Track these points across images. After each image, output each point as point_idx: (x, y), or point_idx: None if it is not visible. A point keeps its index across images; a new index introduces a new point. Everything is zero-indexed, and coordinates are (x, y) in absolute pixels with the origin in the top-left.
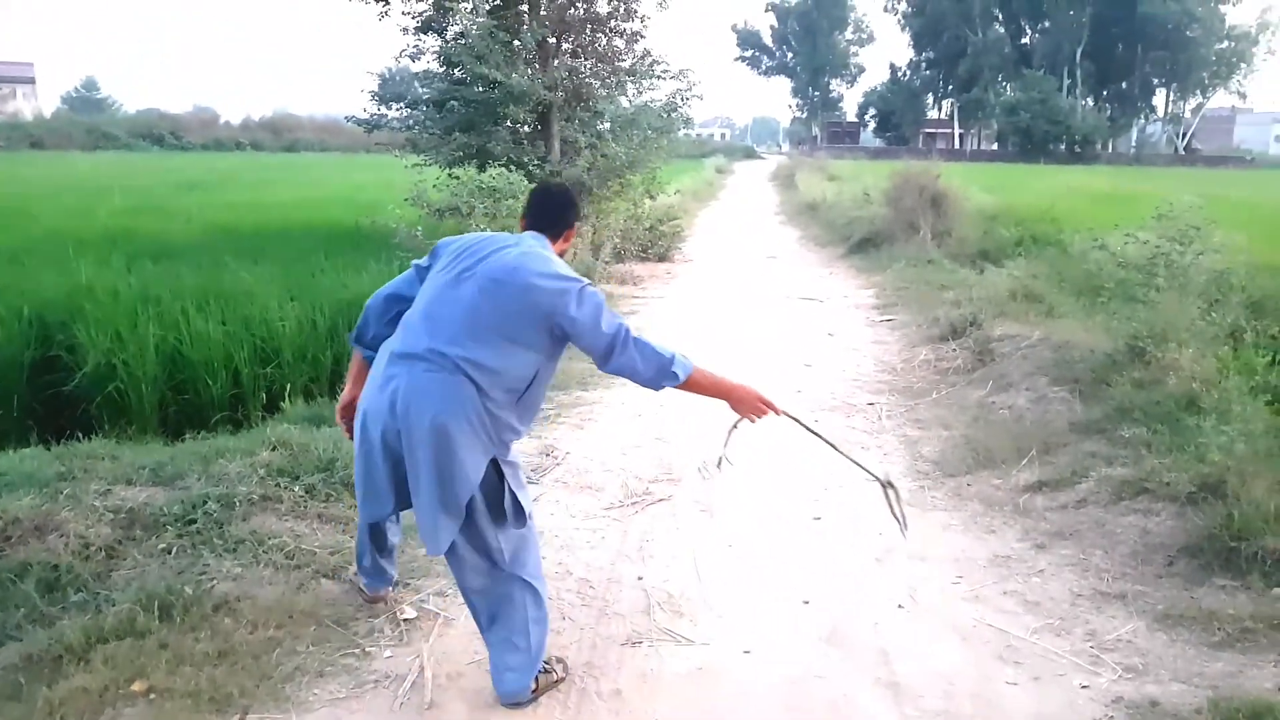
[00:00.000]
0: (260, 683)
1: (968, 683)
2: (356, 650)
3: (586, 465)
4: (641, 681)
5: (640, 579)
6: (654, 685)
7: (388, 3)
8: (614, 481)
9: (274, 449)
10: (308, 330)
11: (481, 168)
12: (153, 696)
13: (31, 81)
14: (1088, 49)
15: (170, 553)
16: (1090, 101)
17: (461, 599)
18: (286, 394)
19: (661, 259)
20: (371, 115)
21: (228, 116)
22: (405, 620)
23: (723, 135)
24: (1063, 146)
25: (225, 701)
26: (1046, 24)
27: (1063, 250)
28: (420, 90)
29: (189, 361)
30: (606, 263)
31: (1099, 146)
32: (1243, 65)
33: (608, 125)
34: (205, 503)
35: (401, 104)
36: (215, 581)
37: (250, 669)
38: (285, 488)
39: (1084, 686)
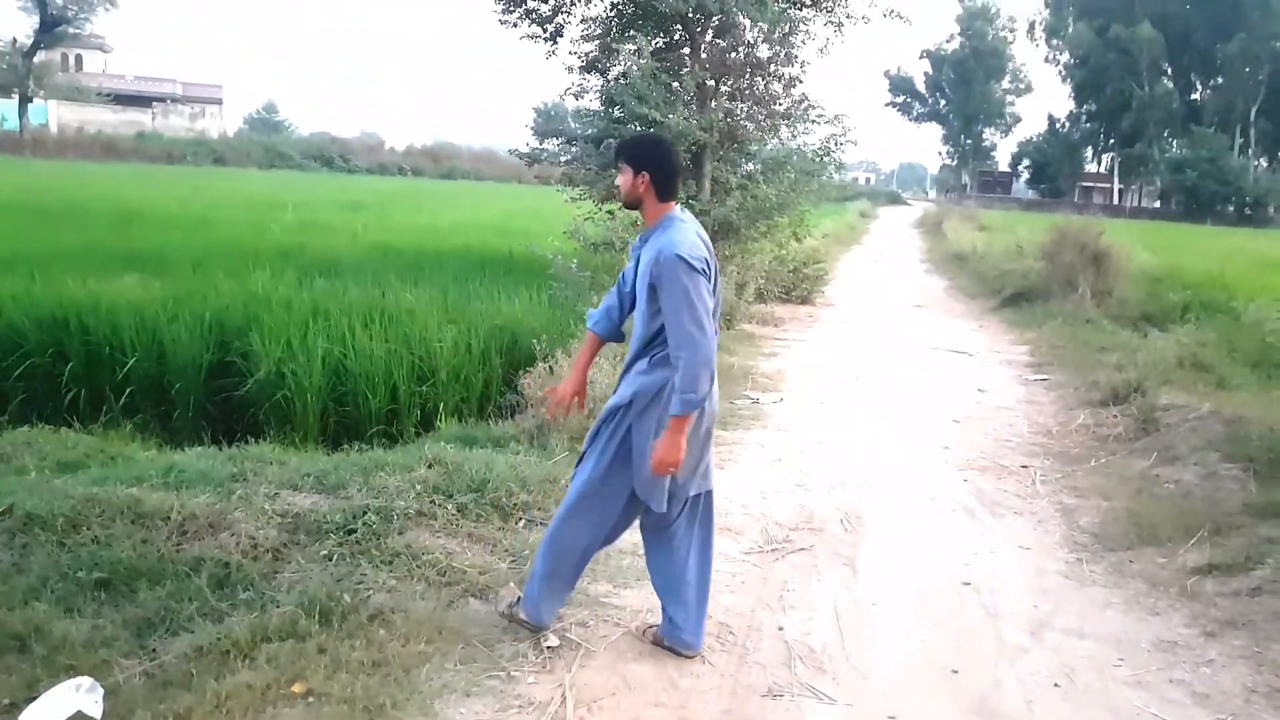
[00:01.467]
0: (411, 696)
1: None
2: (501, 673)
3: (726, 506)
4: None
5: (781, 629)
6: None
7: (555, 42)
8: (754, 526)
9: (430, 466)
10: (462, 352)
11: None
12: (310, 700)
13: (219, 103)
14: (1264, 107)
15: (331, 560)
16: (1264, 162)
17: (603, 631)
18: (440, 412)
19: (804, 301)
20: (532, 149)
21: (392, 143)
22: (549, 648)
23: (868, 179)
24: (1232, 208)
25: (378, 711)
26: (1219, 80)
27: (1235, 318)
28: (577, 127)
29: (351, 375)
30: (749, 302)
31: (1272, 210)
32: None
33: (759, 166)
34: (365, 513)
35: (560, 139)
36: (372, 592)
37: (402, 681)
38: (439, 504)
39: None
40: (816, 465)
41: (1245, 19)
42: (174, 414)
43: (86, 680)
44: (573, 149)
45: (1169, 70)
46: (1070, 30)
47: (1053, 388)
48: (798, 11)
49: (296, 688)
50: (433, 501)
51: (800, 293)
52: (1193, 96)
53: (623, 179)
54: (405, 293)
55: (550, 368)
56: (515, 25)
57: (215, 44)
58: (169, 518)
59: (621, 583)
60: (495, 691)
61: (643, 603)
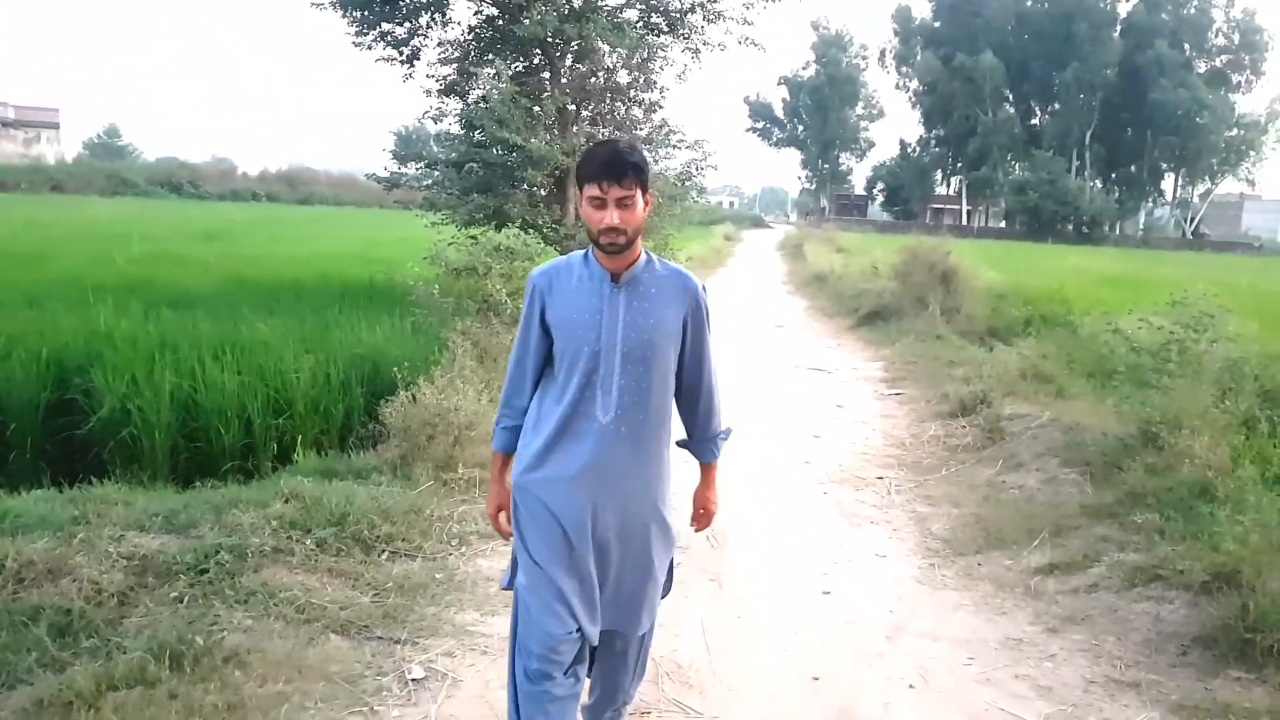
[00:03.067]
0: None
1: None
2: (364, 709)
3: None
4: None
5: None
6: None
7: (412, 65)
8: None
9: (286, 501)
10: (321, 383)
11: (498, 228)
12: None
13: (56, 126)
14: (1097, 132)
15: (182, 601)
16: (1099, 183)
17: (470, 660)
18: (299, 445)
19: None
20: (391, 173)
21: (245, 168)
22: (414, 680)
23: (731, 203)
24: (1070, 227)
25: None
26: (1057, 106)
27: (1073, 331)
28: (438, 151)
29: (202, 410)
30: None
31: (1107, 228)
32: (1252, 153)
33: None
34: (218, 552)
35: (420, 163)
36: (226, 633)
37: (264, 715)
38: (297, 540)
39: None
40: (682, 486)
41: (1078, 49)
42: (9, 456)
43: None
44: (434, 173)
45: (1010, 97)
46: (919, 59)
47: (906, 401)
48: (656, 38)
49: None
50: (290, 537)
51: None
52: (1033, 122)
53: (631, 210)
54: (260, 324)
55: (413, 395)
56: (370, 48)
57: (49, 64)
58: (3, 565)
59: (489, 610)
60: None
61: (508, 629)
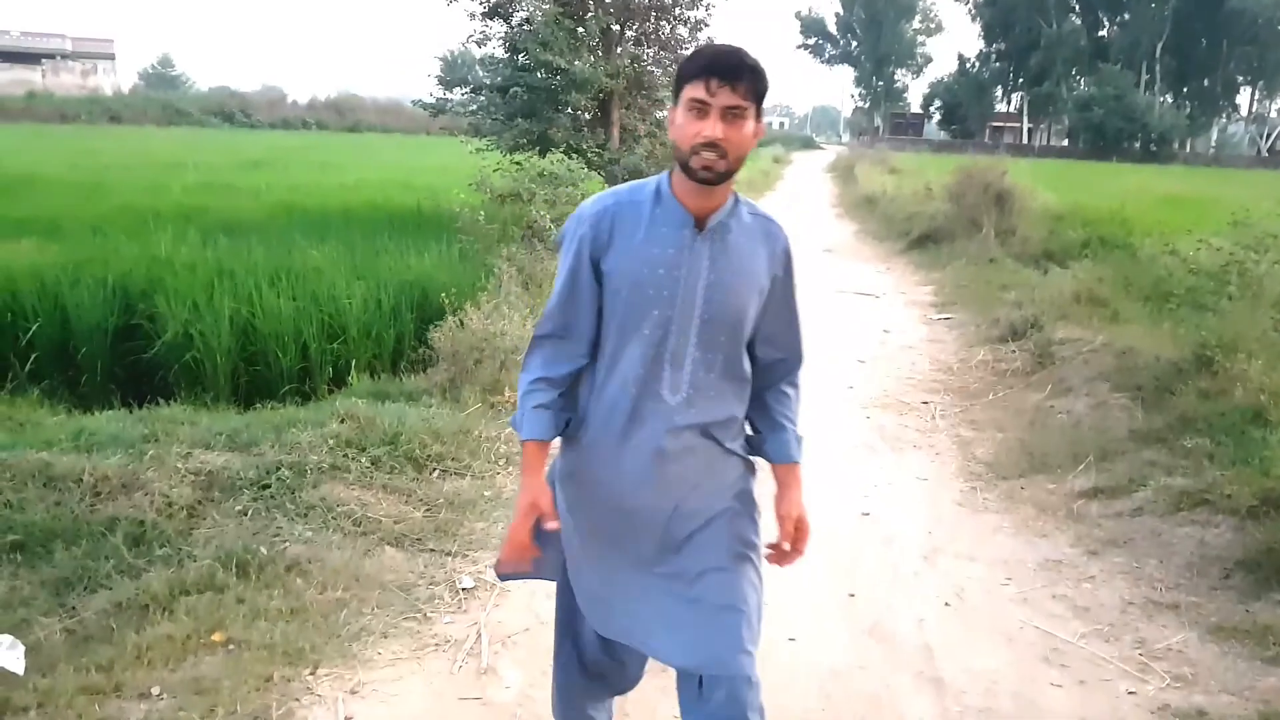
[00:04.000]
0: (329, 640)
1: (1010, 683)
2: (418, 615)
3: None
4: None
5: None
6: None
7: None
8: None
9: (342, 421)
10: (373, 309)
11: (543, 153)
12: (231, 647)
13: (112, 58)
14: (1169, 44)
15: (246, 515)
16: (1169, 99)
17: None
18: (353, 369)
19: None
20: (437, 99)
21: (295, 96)
22: (464, 589)
23: (781, 124)
24: (1138, 145)
25: (297, 656)
26: (1125, 16)
27: (1131, 254)
28: (483, 76)
29: (260, 334)
30: None
31: (1176, 146)
32: None
33: (666, 113)
34: (279, 469)
35: (466, 89)
36: (288, 544)
37: (320, 627)
38: (353, 458)
39: (1130, 693)
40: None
41: None
42: (82, 379)
43: (7, 638)
44: (479, 98)
45: (1076, 7)
46: None
47: (955, 326)
48: None
49: (216, 636)
50: (346, 455)
51: None
52: (1100, 34)
53: (740, 126)
54: (313, 250)
55: (460, 321)
56: None
57: None
58: (81, 480)
59: None
60: (412, 632)
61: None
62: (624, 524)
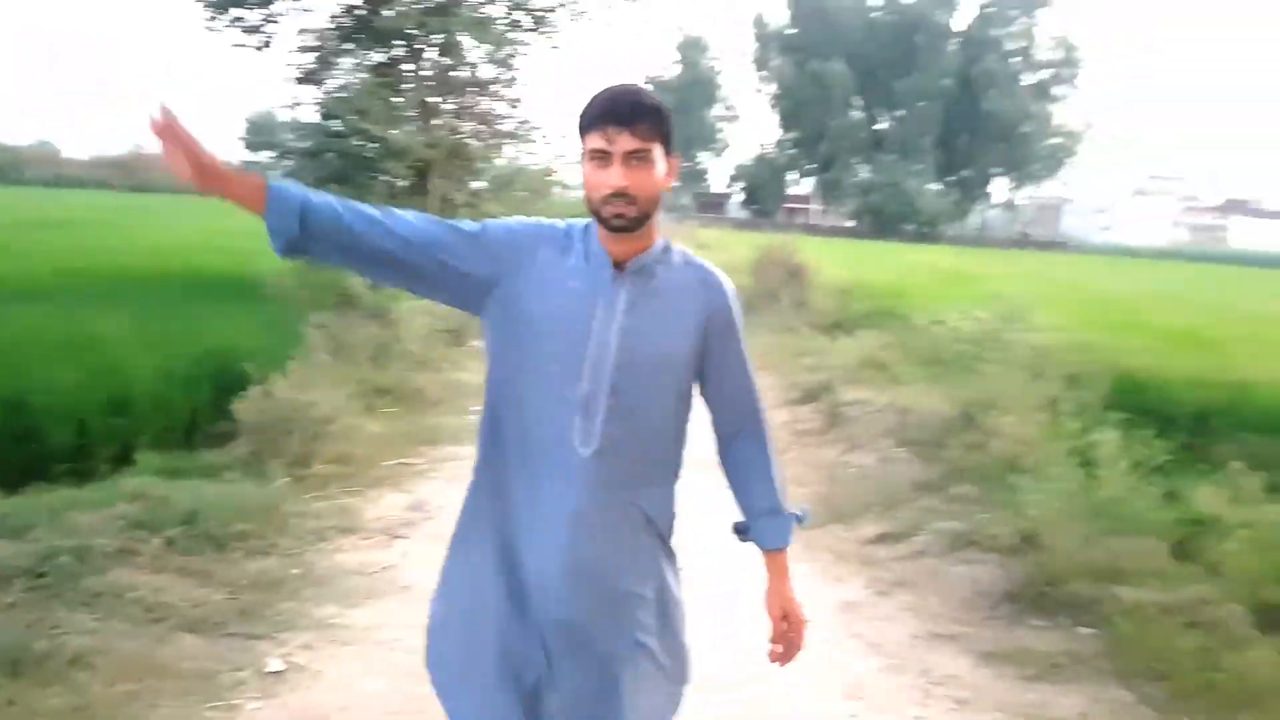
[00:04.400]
0: None
1: (816, 716)
2: (220, 703)
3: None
4: None
5: None
6: None
7: (267, 50)
8: None
9: (131, 500)
10: (165, 380)
11: None
12: None
13: None
14: (936, 138)
15: (18, 607)
16: (937, 186)
17: (331, 651)
18: (141, 445)
19: None
20: (243, 162)
21: (72, 152)
22: (272, 673)
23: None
24: (912, 226)
25: None
26: (900, 112)
27: (907, 324)
28: (291, 139)
29: (32, 410)
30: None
31: (943, 228)
32: (1069, 160)
33: (485, 184)
34: (56, 556)
35: (273, 151)
36: (69, 636)
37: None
38: (144, 540)
39: (917, 718)
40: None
41: (919, 60)
42: None
43: None
44: (287, 162)
45: (858, 103)
46: (775, 64)
47: (760, 390)
48: (519, 35)
49: None
50: (135, 538)
51: None
52: (878, 126)
53: (646, 170)
54: (100, 318)
55: (267, 391)
56: (222, 31)
57: None
58: None
59: (349, 603)
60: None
61: (371, 620)
62: (520, 603)
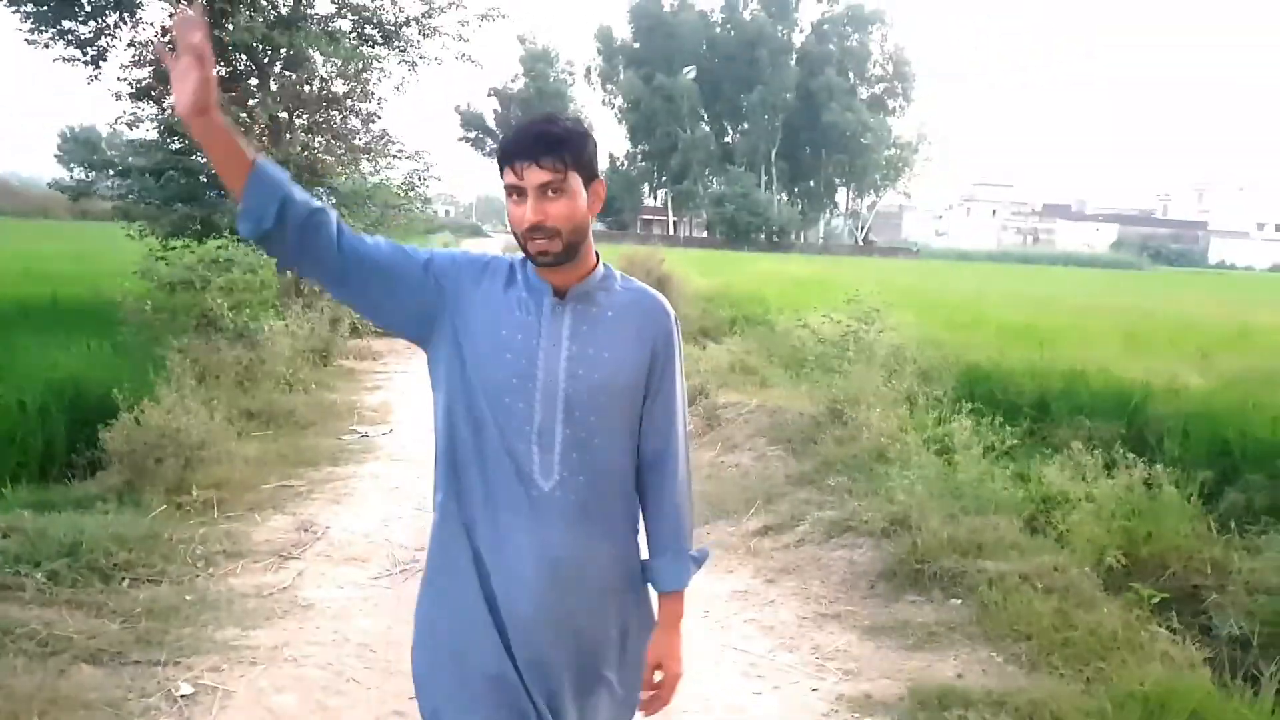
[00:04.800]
0: None
1: (721, 696)
2: None
3: (349, 538)
4: None
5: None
6: None
7: (99, 66)
8: (379, 552)
9: (6, 536)
10: (14, 411)
11: (201, 239)
12: None
13: None
14: (781, 149)
15: None
16: (785, 196)
17: (240, 671)
18: None
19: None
20: (78, 181)
21: None
22: (183, 696)
23: (447, 212)
24: (763, 236)
25: None
26: (746, 125)
27: (771, 329)
28: (130, 158)
29: None
30: (344, 337)
31: (793, 236)
32: (906, 169)
33: (340, 201)
34: None
35: (111, 171)
36: None
37: None
38: (26, 574)
39: (814, 690)
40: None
41: (762, 74)
42: None
43: None
44: (127, 181)
45: (705, 116)
46: (621, 77)
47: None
48: (370, 50)
49: None
50: (17, 572)
51: None
52: (726, 140)
53: (563, 200)
54: None
55: (137, 419)
56: (47, 46)
57: None
58: None
59: (250, 624)
60: None
61: (274, 639)
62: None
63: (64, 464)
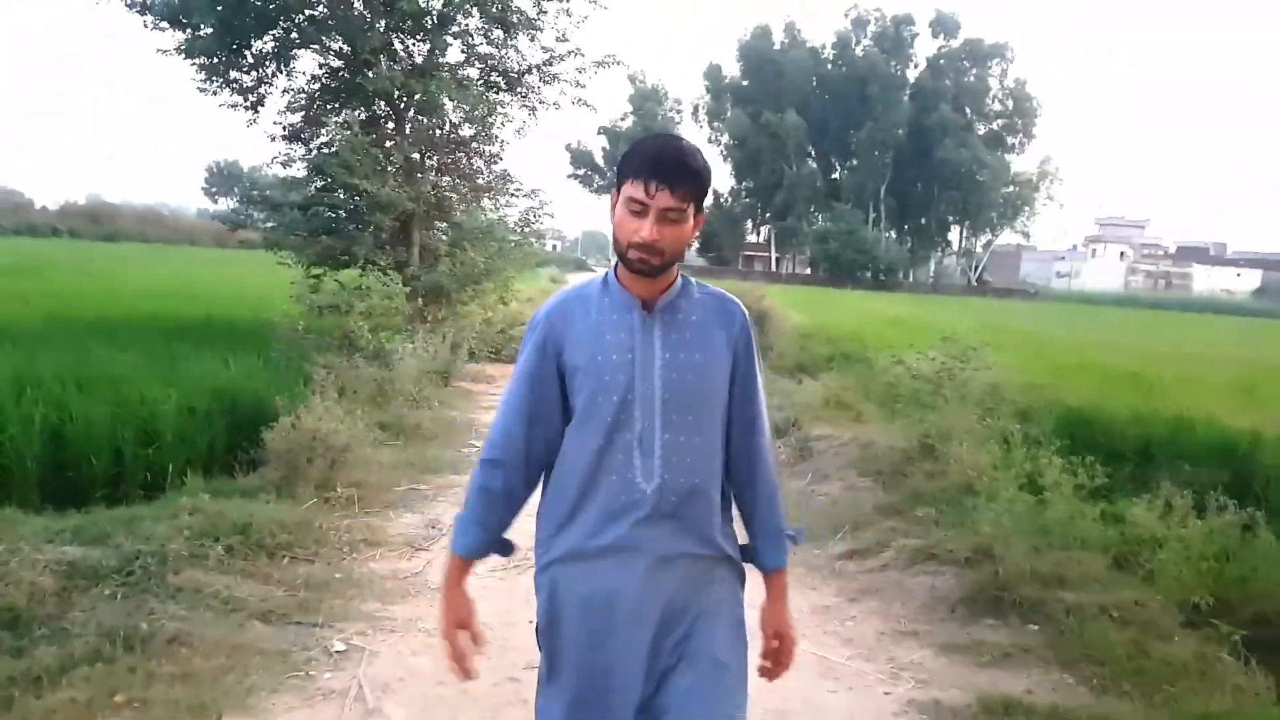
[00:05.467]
0: (225, 696)
1: (799, 692)
2: (300, 674)
3: None
4: None
5: (531, 621)
6: None
7: (257, 111)
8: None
9: (191, 514)
10: (185, 414)
11: (337, 267)
12: (136, 705)
13: None
14: (890, 187)
15: (116, 598)
16: (893, 234)
17: (382, 637)
18: (170, 472)
19: (511, 360)
20: (233, 211)
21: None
22: (337, 652)
23: (554, 246)
24: (869, 274)
25: (200, 709)
26: (854, 162)
27: (868, 366)
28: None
29: (70, 441)
30: (464, 362)
31: (901, 275)
32: (1026, 208)
33: (464, 236)
34: (138, 558)
35: (262, 204)
36: (164, 621)
37: (213, 687)
38: (209, 547)
39: (886, 693)
40: None
41: (872, 110)
42: None
43: None
44: (279, 215)
45: (812, 153)
46: (729, 115)
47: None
48: (495, 96)
49: (119, 698)
50: (201, 544)
51: (509, 352)
52: (833, 176)
53: (678, 227)
54: (111, 360)
55: (293, 423)
56: (215, 93)
57: None
58: None
59: (389, 600)
60: (298, 688)
61: (409, 614)
62: (609, 628)
63: (226, 462)
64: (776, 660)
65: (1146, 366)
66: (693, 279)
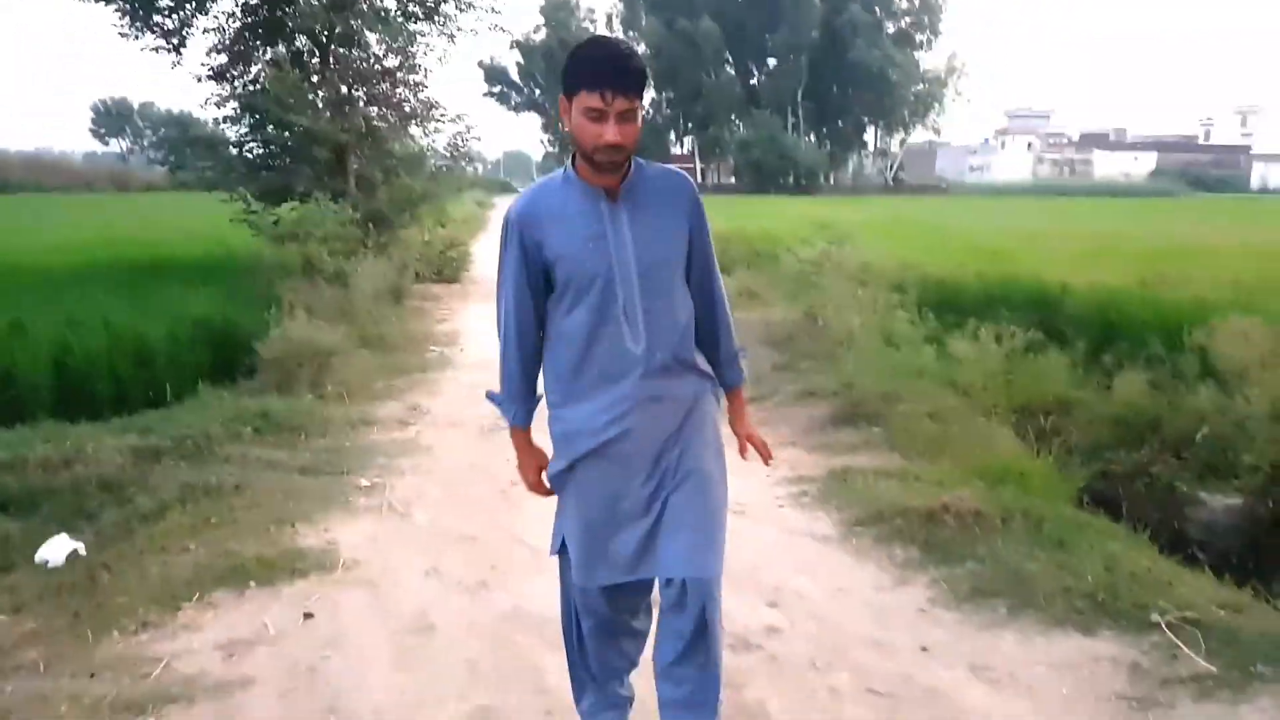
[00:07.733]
0: (294, 509)
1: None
2: (343, 501)
3: (446, 413)
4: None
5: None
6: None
7: (180, 54)
8: (469, 421)
9: (216, 409)
10: (172, 341)
11: (278, 202)
12: (228, 525)
13: None
14: (807, 91)
15: (180, 466)
16: (812, 138)
17: (394, 479)
18: (168, 391)
19: (452, 280)
20: (174, 156)
21: None
22: (365, 487)
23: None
24: (791, 179)
25: (278, 522)
26: (770, 66)
27: (775, 262)
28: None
29: (73, 369)
30: (410, 282)
31: (822, 179)
32: (936, 105)
33: (397, 163)
34: (187, 440)
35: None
36: (230, 478)
37: (282, 506)
38: (240, 429)
39: (766, 475)
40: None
41: (785, 13)
42: None
43: (62, 536)
44: (212, 154)
45: (730, 59)
46: (643, 23)
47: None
48: (414, 26)
49: (213, 520)
50: (234, 428)
51: (449, 272)
52: (751, 82)
53: (633, 124)
54: (100, 301)
55: (284, 335)
56: (137, 38)
57: None
58: (27, 460)
59: (394, 456)
60: (344, 508)
61: (412, 463)
62: (617, 468)
63: (216, 378)
64: (760, 451)
65: (1009, 243)
66: (640, 160)
